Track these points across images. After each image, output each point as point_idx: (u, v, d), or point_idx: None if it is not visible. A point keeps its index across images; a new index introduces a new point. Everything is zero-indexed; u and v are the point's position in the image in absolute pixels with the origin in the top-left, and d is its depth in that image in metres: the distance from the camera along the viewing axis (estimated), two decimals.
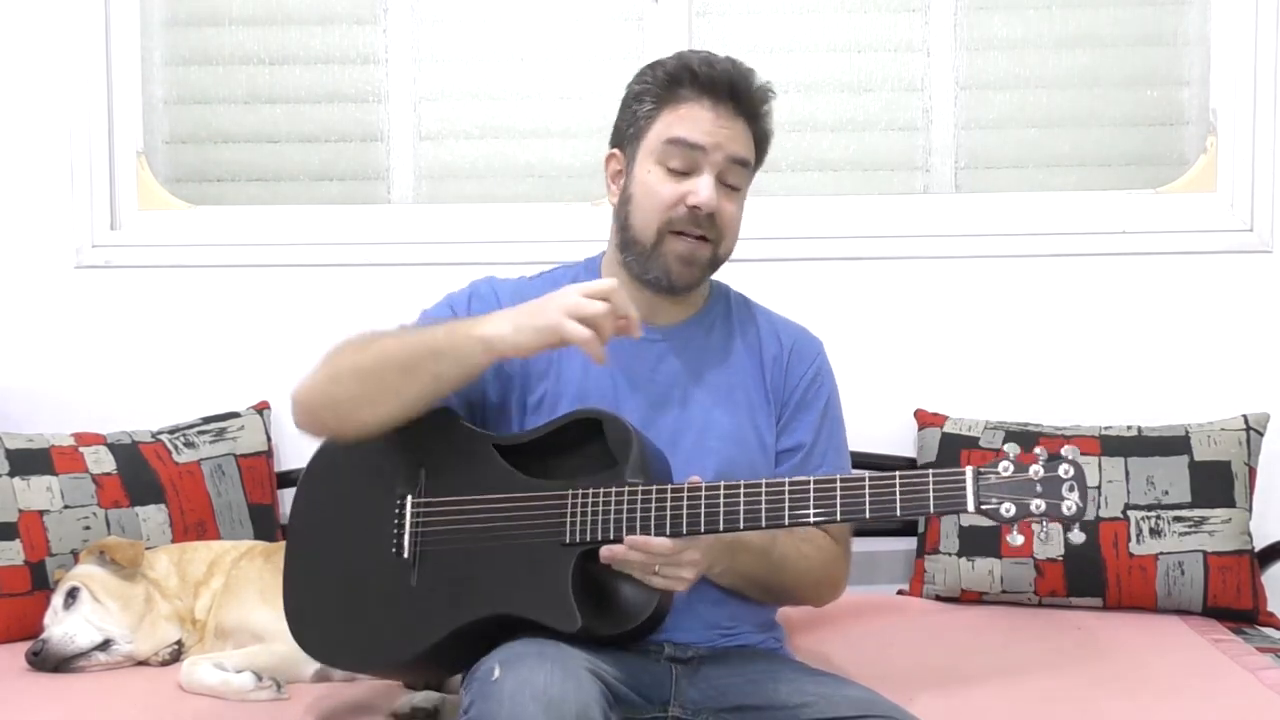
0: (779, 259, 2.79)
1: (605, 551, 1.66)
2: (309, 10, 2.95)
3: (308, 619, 1.87)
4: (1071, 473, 1.62)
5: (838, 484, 1.65)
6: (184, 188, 2.95)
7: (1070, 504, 1.61)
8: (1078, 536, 1.61)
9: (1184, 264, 2.80)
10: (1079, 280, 2.81)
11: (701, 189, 1.82)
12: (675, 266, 1.85)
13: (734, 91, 1.84)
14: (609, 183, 1.94)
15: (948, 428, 2.68)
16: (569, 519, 1.70)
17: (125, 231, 2.89)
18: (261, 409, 2.79)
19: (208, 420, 2.73)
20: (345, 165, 2.97)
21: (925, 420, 2.73)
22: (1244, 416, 2.61)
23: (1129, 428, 2.62)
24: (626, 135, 1.90)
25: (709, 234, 1.84)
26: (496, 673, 1.57)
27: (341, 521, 1.86)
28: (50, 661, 2.20)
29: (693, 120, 1.83)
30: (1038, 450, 1.64)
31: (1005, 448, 1.64)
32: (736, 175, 1.86)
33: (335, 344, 1.82)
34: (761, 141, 1.91)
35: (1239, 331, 2.79)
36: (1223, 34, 2.81)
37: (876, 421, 2.74)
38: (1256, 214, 2.78)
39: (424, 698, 1.99)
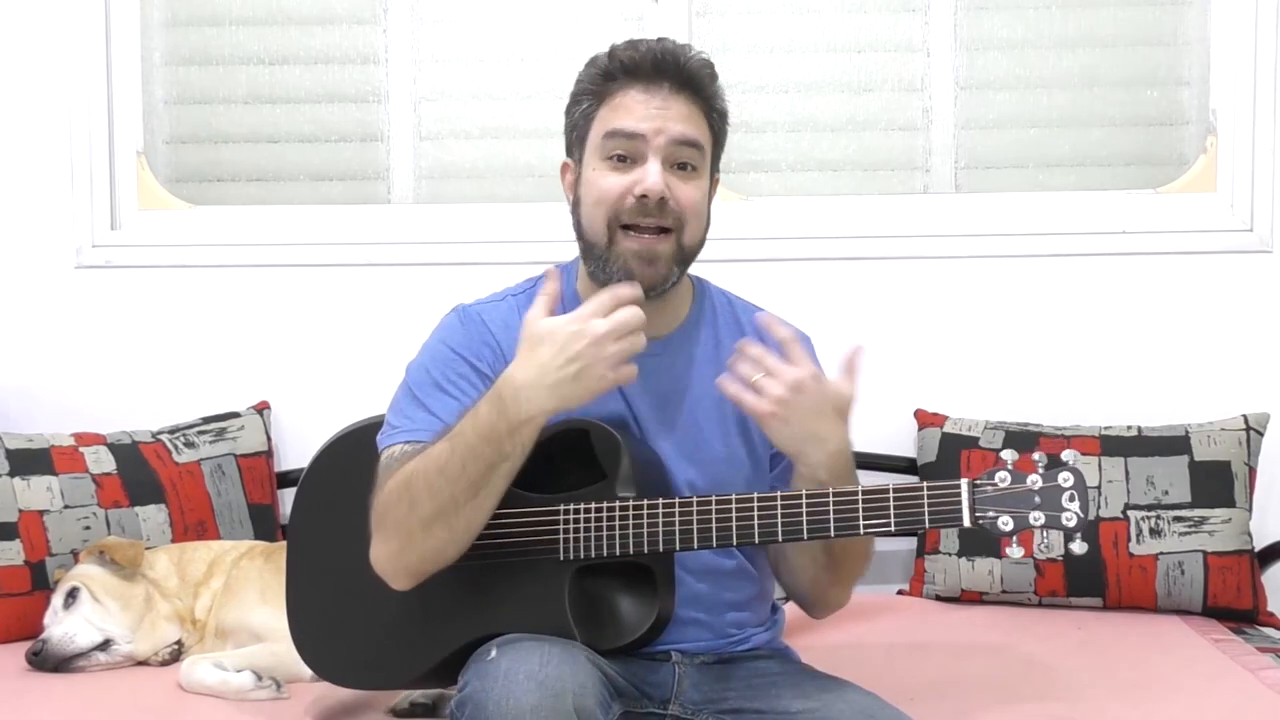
0: (779, 259, 2.79)
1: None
2: (309, 10, 2.95)
3: (313, 641, 1.91)
4: (1071, 481, 1.58)
5: (830, 499, 1.63)
6: (184, 188, 2.95)
7: (1070, 515, 1.57)
8: (1080, 547, 1.58)
9: (1184, 264, 2.79)
10: (1079, 280, 2.81)
11: (648, 175, 1.71)
12: (635, 265, 1.72)
13: (660, 68, 1.73)
14: (566, 193, 1.83)
15: (948, 428, 2.68)
16: (561, 536, 1.69)
17: (125, 231, 2.89)
18: (261, 409, 2.79)
19: (208, 420, 2.73)
20: (345, 165, 2.97)
21: (925, 420, 2.73)
22: (1244, 416, 2.61)
23: (1129, 428, 2.62)
24: (573, 140, 1.81)
25: (666, 223, 1.72)
26: (493, 653, 1.58)
27: (341, 540, 1.86)
28: (50, 661, 2.20)
29: (626, 109, 1.73)
30: (1036, 457, 1.60)
31: (1003, 455, 1.61)
32: (688, 155, 1.74)
33: (381, 504, 1.68)
34: (713, 117, 1.79)
35: (1239, 331, 2.78)
36: (1223, 34, 2.81)
37: (876, 421, 2.73)
38: (1256, 214, 2.78)
39: (422, 693, 2.00)
